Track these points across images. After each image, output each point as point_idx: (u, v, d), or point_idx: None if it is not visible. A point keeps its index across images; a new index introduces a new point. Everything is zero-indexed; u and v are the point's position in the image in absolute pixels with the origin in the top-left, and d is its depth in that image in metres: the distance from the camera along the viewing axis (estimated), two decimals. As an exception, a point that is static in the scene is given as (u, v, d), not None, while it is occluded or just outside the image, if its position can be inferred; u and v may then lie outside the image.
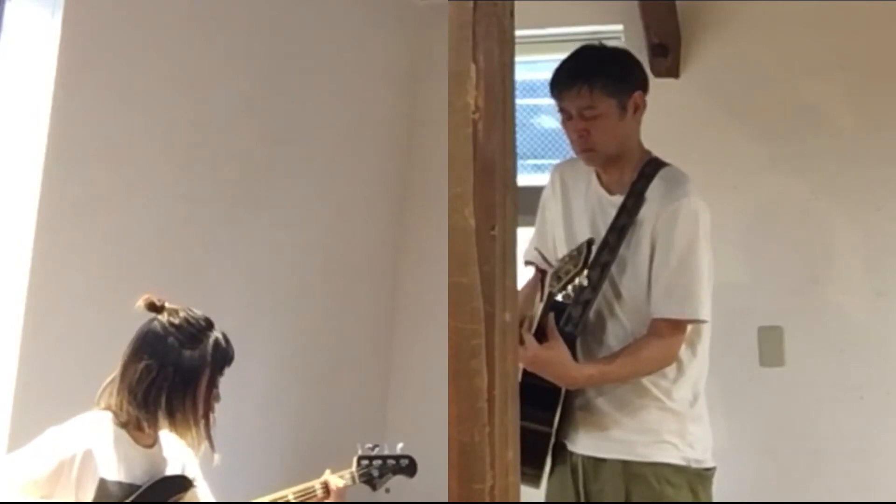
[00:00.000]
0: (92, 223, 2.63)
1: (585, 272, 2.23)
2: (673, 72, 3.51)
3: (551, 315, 2.30)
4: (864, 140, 3.38)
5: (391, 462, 2.42)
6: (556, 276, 2.29)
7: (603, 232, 2.37)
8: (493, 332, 1.57)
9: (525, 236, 2.63)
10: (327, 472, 2.29)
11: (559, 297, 2.33)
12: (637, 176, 2.39)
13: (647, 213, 2.35)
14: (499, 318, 1.57)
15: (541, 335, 2.28)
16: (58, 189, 2.50)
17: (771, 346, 3.36)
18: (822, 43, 3.43)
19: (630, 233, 2.34)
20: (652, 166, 2.41)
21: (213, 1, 3.06)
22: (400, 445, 2.46)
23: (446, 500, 1.58)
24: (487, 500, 1.55)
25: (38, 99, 2.49)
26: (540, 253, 2.56)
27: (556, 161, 2.80)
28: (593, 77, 2.35)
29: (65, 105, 2.51)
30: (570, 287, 2.27)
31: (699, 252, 2.32)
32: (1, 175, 2.49)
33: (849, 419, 3.28)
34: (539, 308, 2.31)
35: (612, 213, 2.38)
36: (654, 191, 2.37)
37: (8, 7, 2.52)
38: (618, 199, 2.40)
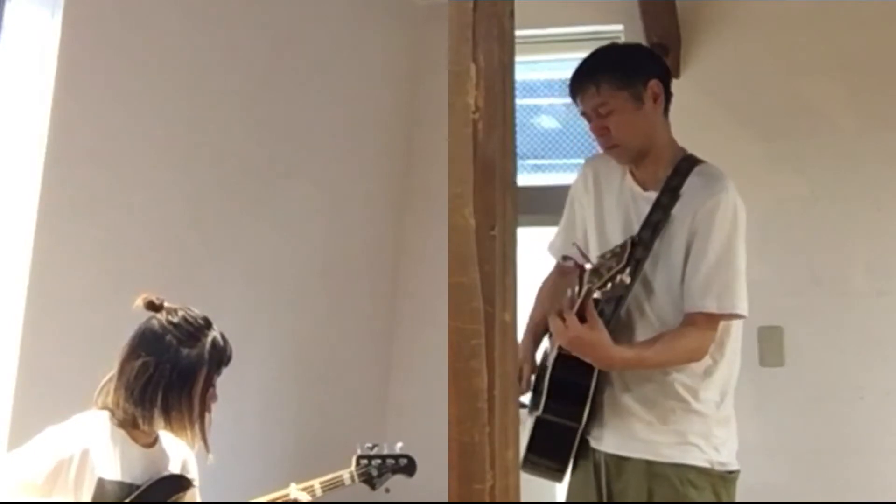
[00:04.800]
0: (92, 223, 2.63)
1: (628, 270, 2.20)
2: (673, 72, 3.49)
3: (591, 300, 2.26)
4: (864, 140, 3.38)
5: (390, 461, 2.42)
6: (597, 273, 2.24)
7: (636, 226, 2.35)
8: (493, 332, 1.56)
9: (525, 236, 2.62)
10: (292, 485, 2.27)
11: (597, 294, 2.30)
12: (672, 172, 2.37)
13: (682, 209, 2.32)
14: (499, 318, 1.57)
15: (580, 318, 2.25)
16: (58, 189, 2.50)
17: (771, 346, 3.36)
18: (822, 43, 3.43)
19: (664, 229, 2.32)
20: (687, 163, 2.38)
21: (213, 1, 3.07)
22: (399, 445, 2.46)
23: (446, 500, 1.58)
24: (487, 500, 1.55)
25: (38, 99, 2.49)
26: (576, 246, 2.47)
27: (556, 161, 2.80)
28: (597, 74, 2.35)
29: (65, 105, 2.51)
30: (609, 284, 2.23)
31: (737, 247, 2.30)
32: (1, 175, 2.49)
33: (849, 419, 3.28)
34: (582, 291, 2.27)
35: (646, 208, 2.35)
36: (689, 187, 2.34)
37: (8, 7, 2.52)
38: (652, 195, 2.36)
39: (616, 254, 2.21)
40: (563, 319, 2.24)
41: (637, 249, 2.27)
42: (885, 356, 3.29)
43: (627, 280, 2.23)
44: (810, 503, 3.12)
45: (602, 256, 2.25)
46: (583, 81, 2.37)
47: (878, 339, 3.31)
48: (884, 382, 3.29)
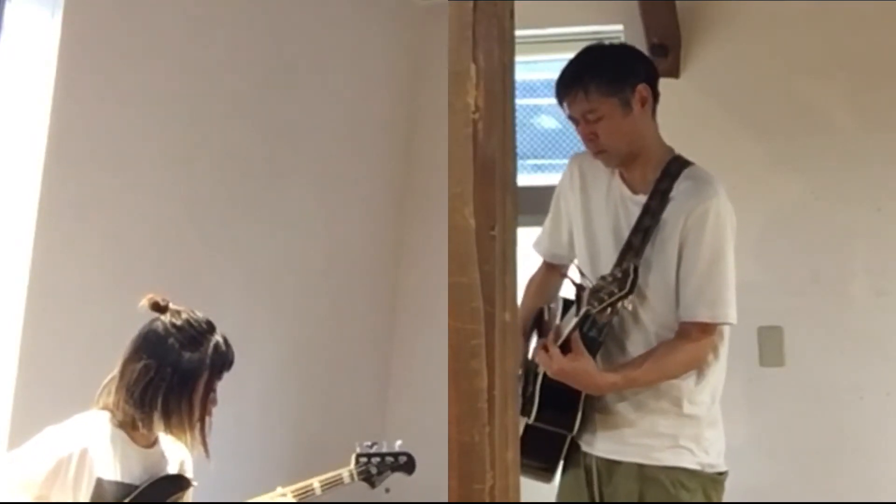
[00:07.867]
0: (92, 223, 2.63)
1: (630, 297, 2.16)
2: (673, 72, 3.50)
3: (577, 332, 2.26)
4: (864, 140, 3.38)
5: (389, 459, 2.42)
6: (598, 297, 2.20)
7: (625, 231, 2.34)
8: (493, 332, 1.56)
9: (525, 236, 2.62)
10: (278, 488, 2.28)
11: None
12: (661, 175, 2.34)
13: (672, 213, 2.30)
14: (499, 318, 1.57)
15: (566, 346, 2.26)
16: (58, 189, 2.50)
17: (771, 346, 3.36)
18: (822, 43, 3.43)
19: (655, 234, 2.30)
20: (676, 165, 2.36)
21: (213, 1, 3.07)
22: (398, 443, 2.46)
23: (446, 500, 1.58)
24: (487, 500, 1.55)
25: (38, 99, 2.50)
26: (576, 267, 2.48)
27: (556, 161, 2.80)
28: (586, 80, 2.31)
29: (65, 105, 2.51)
30: (610, 309, 2.21)
31: (727, 254, 2.30)
32: (1, 175, 2.49)
33: (849, 419, 3.28)
34: (571, 321, 2.26)
35: (636, 211, 2.34)
36: (679, 191, 2.32)
37: (8, 7, 2.53)
38: (641, 199, 2.34)
39: (618, 279, 2.18)
40: (548, 351, 2.26)
41: (628, 255, 2.27)
42: (885, 356, 3.29)
43: (630, 307, 2.23)
44: (810, 503, 3.12)
45: (602, 278, 2.23)
46: (570, 86, 2.34)
47: (878, 339, 3.31)
48: (884, 383, 3.29)
